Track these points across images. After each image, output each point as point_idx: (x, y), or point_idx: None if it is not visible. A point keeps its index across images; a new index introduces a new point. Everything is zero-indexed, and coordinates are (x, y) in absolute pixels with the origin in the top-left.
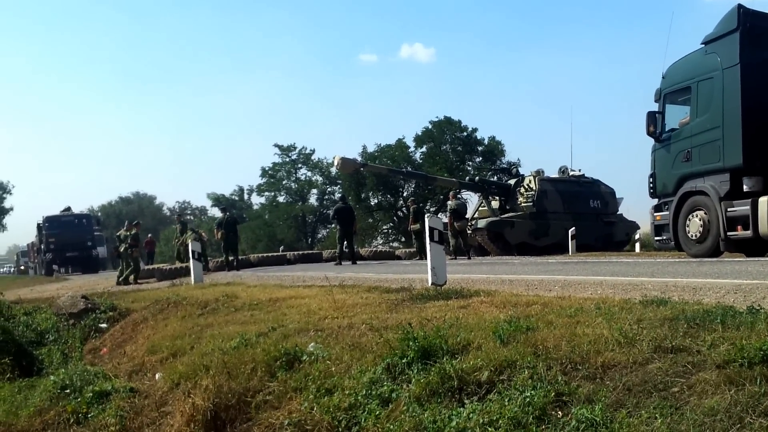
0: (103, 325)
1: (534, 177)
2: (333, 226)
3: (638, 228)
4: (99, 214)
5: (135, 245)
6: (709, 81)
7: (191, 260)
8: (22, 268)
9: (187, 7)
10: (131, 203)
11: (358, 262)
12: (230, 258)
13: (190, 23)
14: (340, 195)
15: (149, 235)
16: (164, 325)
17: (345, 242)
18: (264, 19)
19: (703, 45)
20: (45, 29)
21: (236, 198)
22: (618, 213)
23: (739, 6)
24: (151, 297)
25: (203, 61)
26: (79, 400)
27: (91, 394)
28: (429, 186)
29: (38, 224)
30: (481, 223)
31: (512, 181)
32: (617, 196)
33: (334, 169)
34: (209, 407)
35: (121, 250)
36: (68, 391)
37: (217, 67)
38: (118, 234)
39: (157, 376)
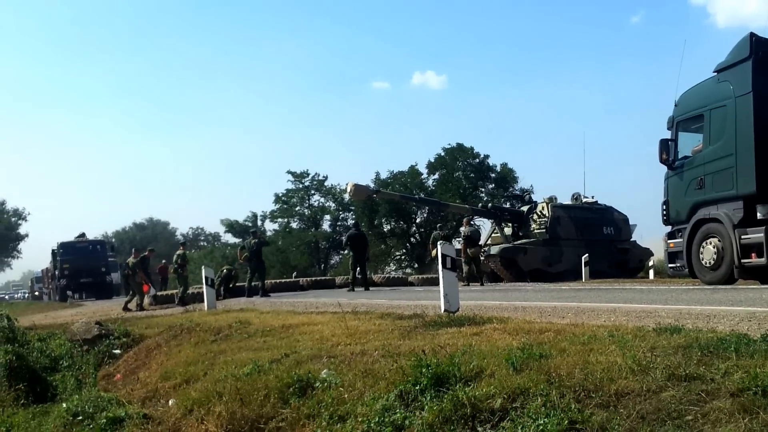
0: (117, 351)
1: (547, 203)
2: (346, 252)
3: (652, 255)
4: (113, 240)
5: (184, 265)
6: (722, 109)
7: (204, 286)
8: (37, 293)
9: (202, 36)
10: (145, 229)
11: (370, 288)
12: (253, 283)
13: (205, 51)
14: (353, 221)
15: (163, 261)
16: (177, 352)
17: (358, 268)
18: (277, 46)
19: (716, 73)
20: (60, 56)
21: (249, 224)
22: (631, 240)
23: (752, 34)
24: (165, 323)
25: (218, 89)
26: (92, 426)
27: (104, 421)
28: (442, 213)
29: (53, 250)
30: (494, 250)
31: (525, 208)
32: (630, 222)
33: (347, 196)
34: None
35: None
36: (81, 417)
37: (231, 95)
38: (126, 261)
39: (170, 402)
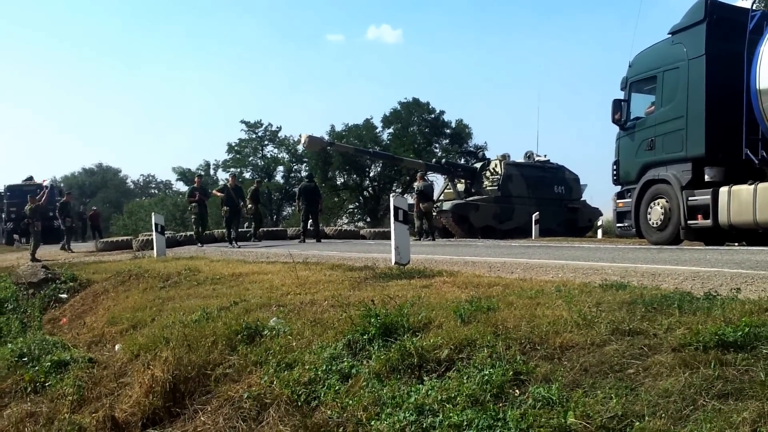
0: (64, 296)
1: (500, 161)
2: (299, 203)
3: (601, 214)
4: (62, 184)
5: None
6: (675, 71)
7: (154, 233)
8: None
9: None
10: (94, 175)
11: (322, 241)
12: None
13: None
14: (306, 173)
15: (93, 208)
16: (125, 297)
17: (309, 220)
18: None
19: (670, 35)
20: None
21: (202, 173)
22: (582, 199)
23: None
24: (113, 269)
25: (171, 38)
26: (37, 369)
27: (49, 364)
28: (395, 167)
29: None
30: (447, 206)
31: (478, 165)
32: (581, 182)
33: (300, 147)
34: (168, 379)
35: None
36: (26, 359)
37: (184, 45)
38: (24, 209)
39: (116, 347)
